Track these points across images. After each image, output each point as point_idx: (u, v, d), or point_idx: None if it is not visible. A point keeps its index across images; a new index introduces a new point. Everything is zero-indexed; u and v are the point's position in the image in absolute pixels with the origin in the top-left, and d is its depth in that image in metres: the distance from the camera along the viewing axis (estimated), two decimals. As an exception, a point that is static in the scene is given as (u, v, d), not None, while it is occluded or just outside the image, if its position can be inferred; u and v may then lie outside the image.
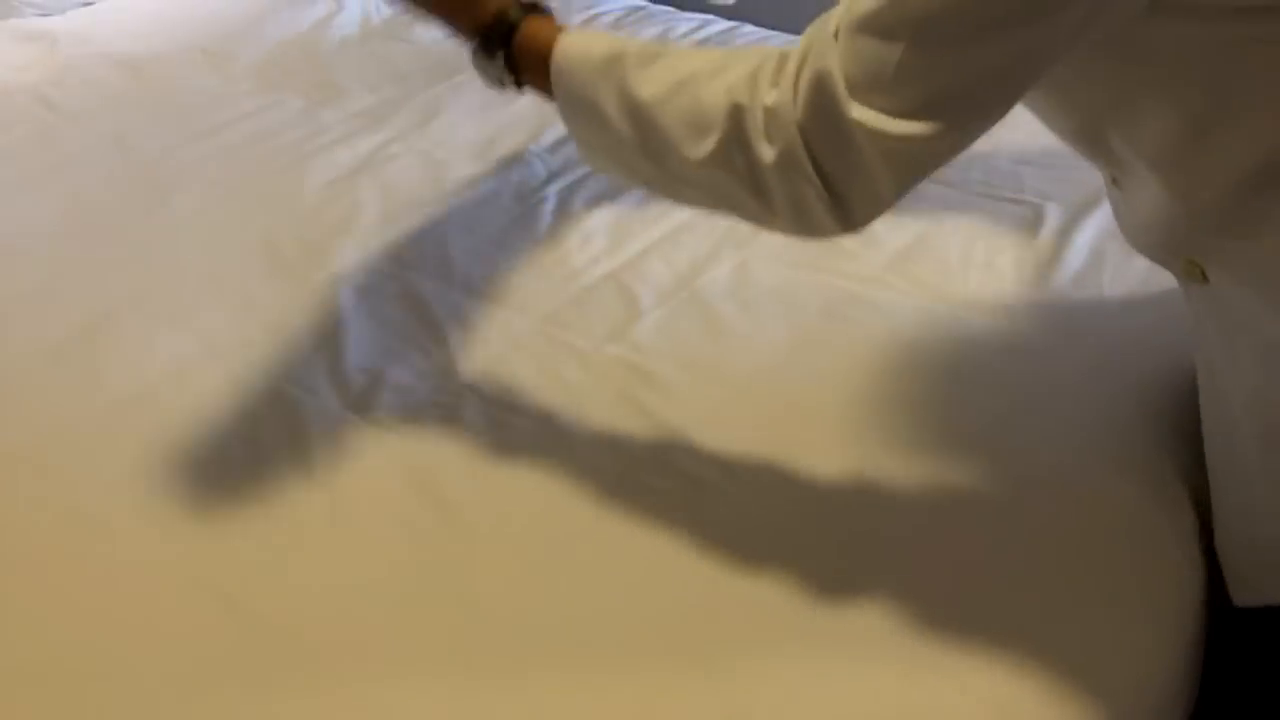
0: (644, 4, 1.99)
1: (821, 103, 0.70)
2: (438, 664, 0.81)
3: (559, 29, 0.83)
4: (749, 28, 1.89)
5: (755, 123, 0.72)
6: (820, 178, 0.71)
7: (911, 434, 1.01)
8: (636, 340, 1.13)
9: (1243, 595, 0.89)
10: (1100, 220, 1.29)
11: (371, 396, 1.06)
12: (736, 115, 0.73)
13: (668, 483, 0.96)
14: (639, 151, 0.79)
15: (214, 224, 1.32)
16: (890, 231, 1.26)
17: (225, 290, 1.21)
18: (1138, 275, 1.21)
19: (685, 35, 1.83)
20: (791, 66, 0.72)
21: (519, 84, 0.86)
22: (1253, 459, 0.86)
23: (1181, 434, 1.02)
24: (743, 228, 1.27)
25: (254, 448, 1.01)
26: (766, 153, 0.72)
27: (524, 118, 1.57)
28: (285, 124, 1.56)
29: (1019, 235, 1.29)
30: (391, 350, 1.13)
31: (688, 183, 0.79)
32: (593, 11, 1.94)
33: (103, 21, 1.86)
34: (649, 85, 0.77)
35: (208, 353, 1.11)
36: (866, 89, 0.68)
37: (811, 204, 0.72)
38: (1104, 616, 0.86)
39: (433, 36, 1.85)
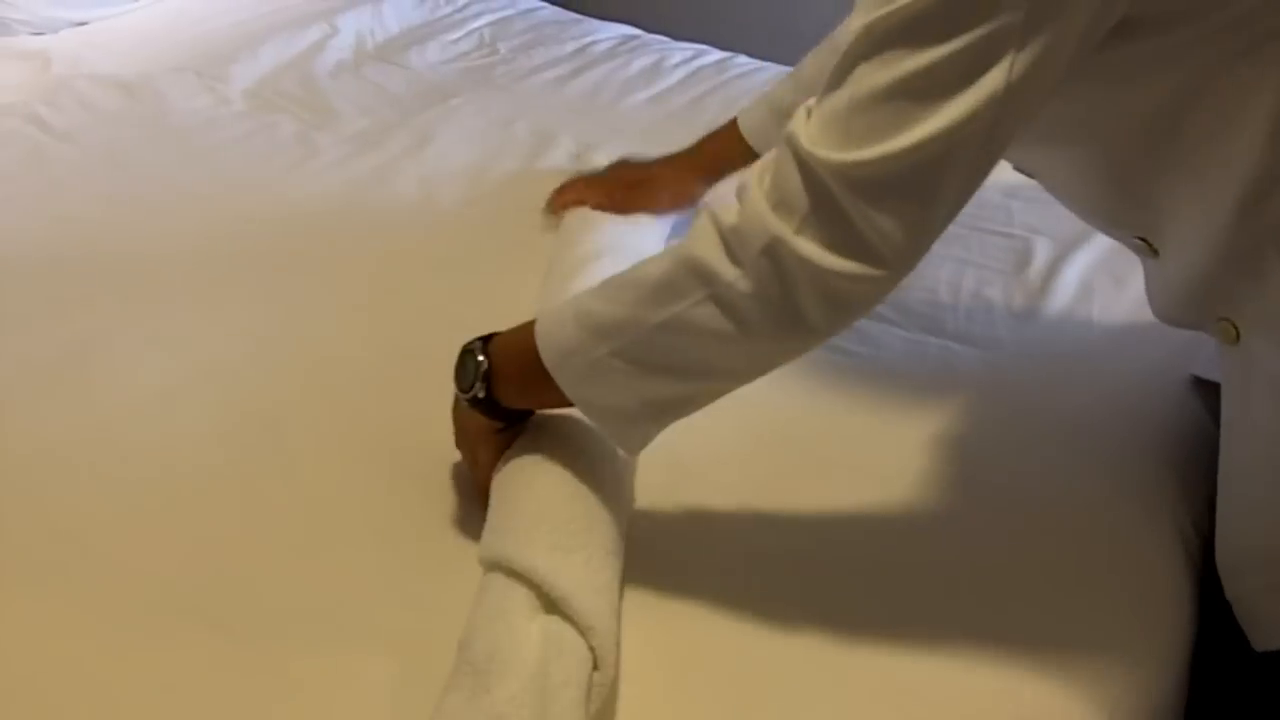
0: (638, 34, 2.00)
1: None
2: (417, 685, 0.81)
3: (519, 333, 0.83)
4: (743, 58, 1.90)
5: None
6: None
7: (900, 466, 1.01)
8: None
9: (1261, 641, 0.90)
10: (1089, 254, 1.31)
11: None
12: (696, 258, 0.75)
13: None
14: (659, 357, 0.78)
15: (206, 246, 1.32)
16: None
17: (216, 312, 1.21)
18: (1126, 309, 1.21)
19: (679, 64, 1.84)
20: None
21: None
22: (1267, 507, 0.87)
23: (1172, 464, 1.03)
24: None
25: (242, 470, 1.00)
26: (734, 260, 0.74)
27: (519, 143, 1.58)
28: (278, 147, 1.56)
29: (1008, 268, 1.30)
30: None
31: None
32: (587, 40, 1.95)
33: (96, 42, 1.85)
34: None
35: (198, 374, 1.11)
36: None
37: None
38: (1093, 640, 0.87)
39: (427, 61, 1.86)
